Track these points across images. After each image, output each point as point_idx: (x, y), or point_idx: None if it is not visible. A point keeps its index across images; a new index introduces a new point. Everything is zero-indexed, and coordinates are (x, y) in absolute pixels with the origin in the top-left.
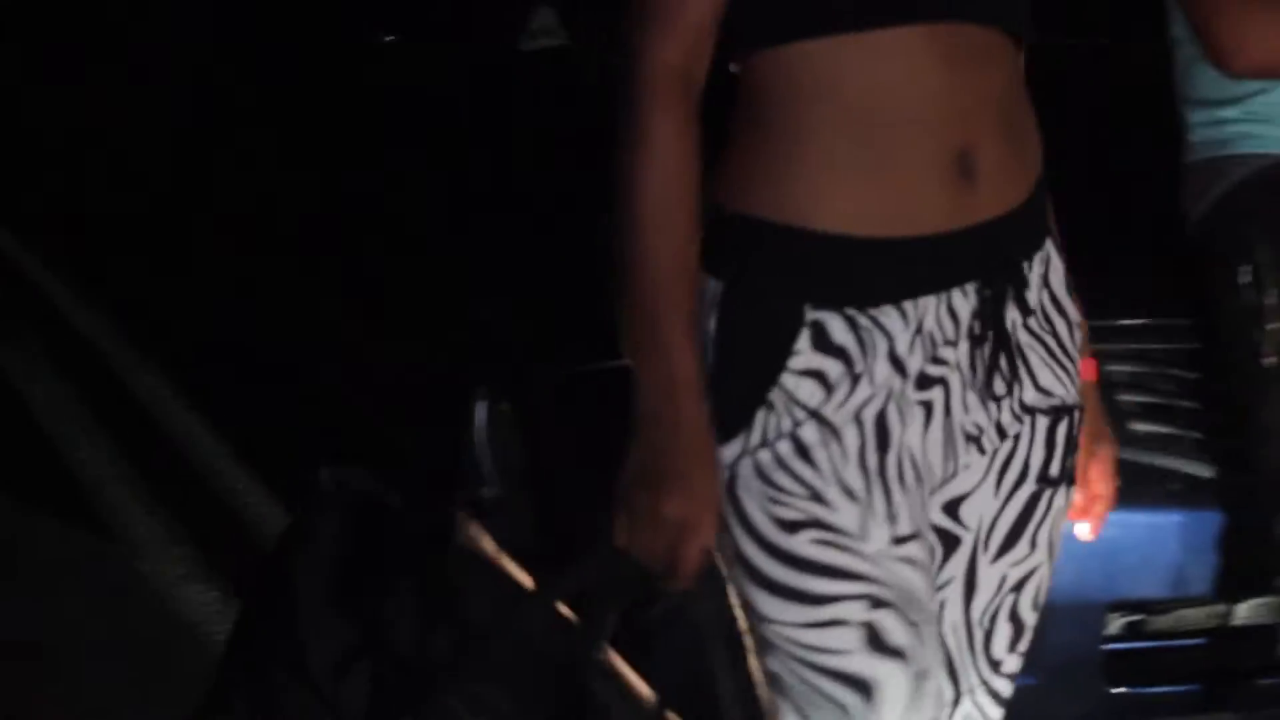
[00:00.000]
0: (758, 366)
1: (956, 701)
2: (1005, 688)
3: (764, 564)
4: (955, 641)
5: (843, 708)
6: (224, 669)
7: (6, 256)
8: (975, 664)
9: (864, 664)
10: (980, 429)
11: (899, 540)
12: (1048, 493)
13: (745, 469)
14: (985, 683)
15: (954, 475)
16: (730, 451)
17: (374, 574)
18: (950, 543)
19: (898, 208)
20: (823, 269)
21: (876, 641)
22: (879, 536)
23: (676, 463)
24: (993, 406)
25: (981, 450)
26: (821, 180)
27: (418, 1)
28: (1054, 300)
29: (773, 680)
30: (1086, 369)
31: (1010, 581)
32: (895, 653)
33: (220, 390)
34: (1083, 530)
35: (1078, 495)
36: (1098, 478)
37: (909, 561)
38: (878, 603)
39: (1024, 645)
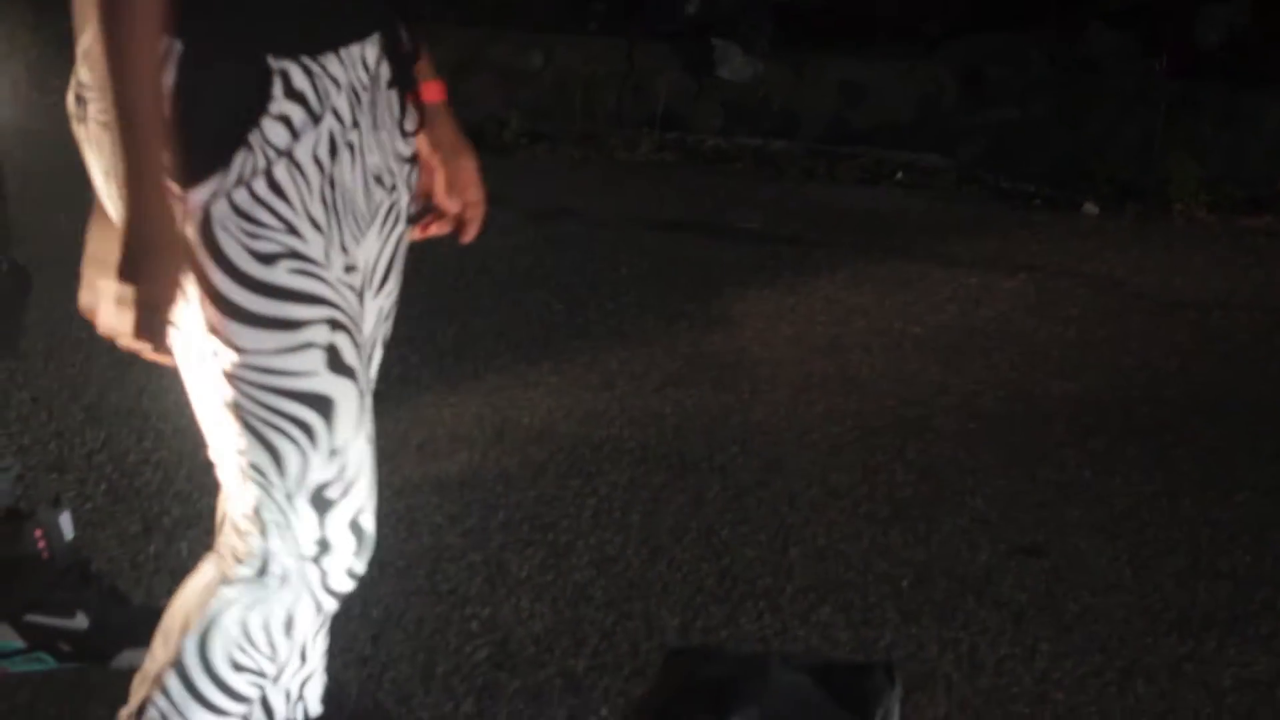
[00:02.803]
0: (233, 114)
1: None
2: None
3: (242, 297)
4: None
5: (305, 427)
6: None
7: None
8: None
9: (325, 383)
10: (380, 170)
11: (349, 269)
12: (408, 230)
13: (221, 209)
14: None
15: (369, 222)
16: (203, 192)
17: None
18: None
19: None
20: (279, 22)
21: (335, 362)
22: (337, 264)
23: (140, 244)
24: (389, 149)
25: (384, 190)
26: None
27: None
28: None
29: (236, 414)
30: (435, 91)
31: (384, 312)
32: (349, 371)
33: None
34: (467, 236)
35: (453, 205)
36: (468, 185)
37: (352, 289)
38: (336, 325)
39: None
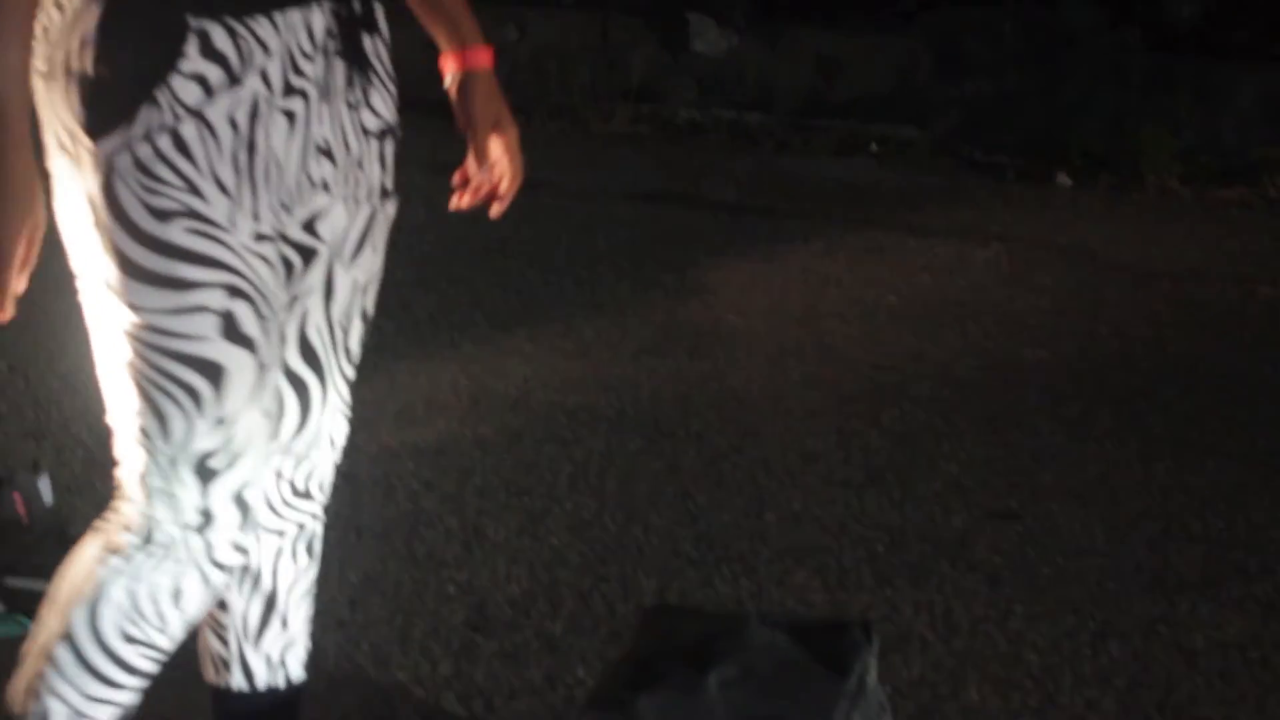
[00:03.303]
0: (141, 69)
1: (324, 392)
2: (353, 373)
3: (136, 253)
4: (320, 340)
5: (192, 391)
6: None
7: None
8: (336, 357)
9: (217, 350)
10: (329, 143)
11: (260, 237)
12: (383, 205)
13: (123, 162)
14: (341, 370)
15: (311, 193)
16: (110, 144)
17: None
18: (308, 255)
19: None
20: None
21: (231, 330)
22: (244, 230)
23: None
24: (342, 122)
25: (334, 162)
26: None
27: None
28: (377, 26)
29: (127, 373)
30: (482, 57)
31: (360, 284)
32: (246, 341)
33: None
34: (495, 211)
35: (485, 177)
36: (501, 157)
37: (265, 260)
38: (236, 292)
39: (366, 337)
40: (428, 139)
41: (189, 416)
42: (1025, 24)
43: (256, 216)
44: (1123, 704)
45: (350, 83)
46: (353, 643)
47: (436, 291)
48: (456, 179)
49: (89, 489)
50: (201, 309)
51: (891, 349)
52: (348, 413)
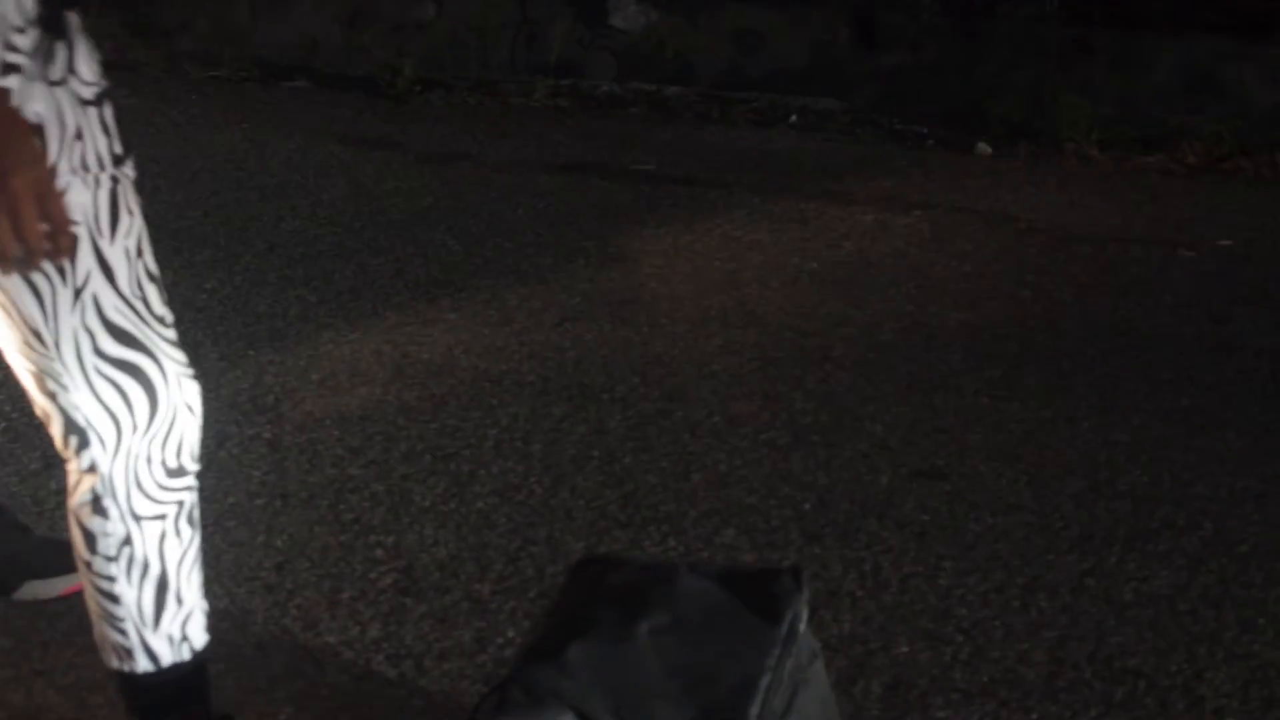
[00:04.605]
0: None
1: (158, 364)
2: (175, 335)
3: None
4: (125, 320)
5: None
6: None
7: None
8: (151, 329)
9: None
10: (42, 117)
11: None
12: (121, 168)
13: None
14: (162, 337)
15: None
16: None
17: None
18: (66, 241)
19: None
20: None
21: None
22: None
23: None
24: (54, 95)
25: (45, 141)
26: None
27: None
28: None
29: None
30: None
31: (133, 251)
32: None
33: None
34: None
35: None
36: None
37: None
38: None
39: (165, 294)
40: (346, 112)
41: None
42: None
43: None
44: (1053, 656)
45: (57, 55)
46: (280, 607)
47: (357, 262)
48: None
49: (11, 459)
50: None
51: (814, 314)
52: (191, 373)
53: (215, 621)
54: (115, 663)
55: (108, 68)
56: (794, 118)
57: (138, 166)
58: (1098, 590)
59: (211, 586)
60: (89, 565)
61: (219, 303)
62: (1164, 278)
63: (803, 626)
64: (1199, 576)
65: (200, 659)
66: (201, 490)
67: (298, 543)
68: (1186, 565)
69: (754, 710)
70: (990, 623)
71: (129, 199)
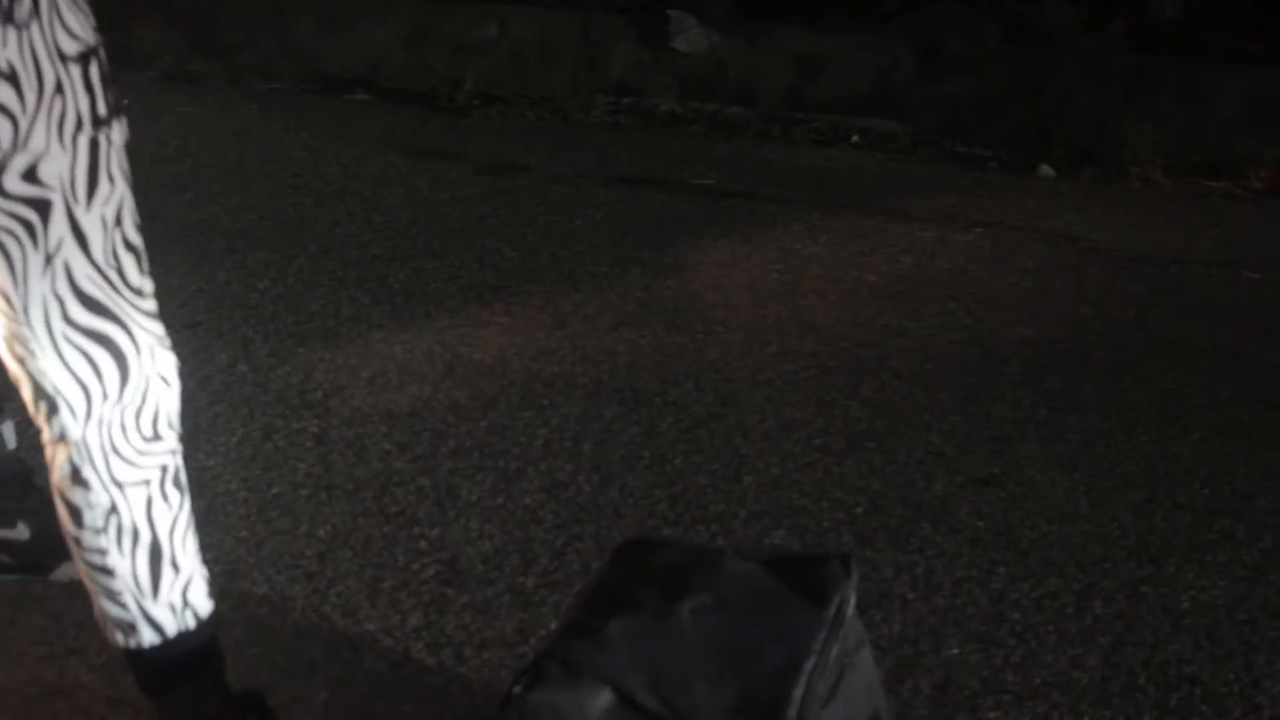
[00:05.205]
0: None
1: (130, 335)
2: (153, 306)
3: None
4: (97, 289)
5: None
6: None
7: None
8: (125, 300)
9: None
10: (13, 67)
11: None
12: (104, 131)
13: None
14: (135, 307)
15: (15, 146)
16: None
17: None
18: (44, 208)
19: None
20: None
21: None
22: None
23: None
24: (31, 46)
25: (20, 92)
26: None
27: None
28: None
29: None
30: None
31: (110, 220)
32: None
33: None
34: None
35: None
36: None
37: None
38: None
39: (147, 265)
40: (405, 124)
41: None
42: (1006, 23)
43: None
44: (1107, 661)
45: (36, 3)
46: (320, 594)
47: (411, 266)
48: None
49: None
50: None
51: (871, 325)
52: (167, 343)
53: (253, 608)
54: (120, 639)
55: (167, 79)
56: (855, 138)
57: (193, 169)
58: (1154, 598)
59: (250, 573)
60: (79, 541)
61: (270, 301)
62: (1227, 298)
63: (850, 611)
64: (1258, 588)
65: (208, 628)
66: (245, 481)
67: (341, 533)
68: (1246, 576)
69: (797, 693)
70: (1043, 627)
71: (111, 164)
